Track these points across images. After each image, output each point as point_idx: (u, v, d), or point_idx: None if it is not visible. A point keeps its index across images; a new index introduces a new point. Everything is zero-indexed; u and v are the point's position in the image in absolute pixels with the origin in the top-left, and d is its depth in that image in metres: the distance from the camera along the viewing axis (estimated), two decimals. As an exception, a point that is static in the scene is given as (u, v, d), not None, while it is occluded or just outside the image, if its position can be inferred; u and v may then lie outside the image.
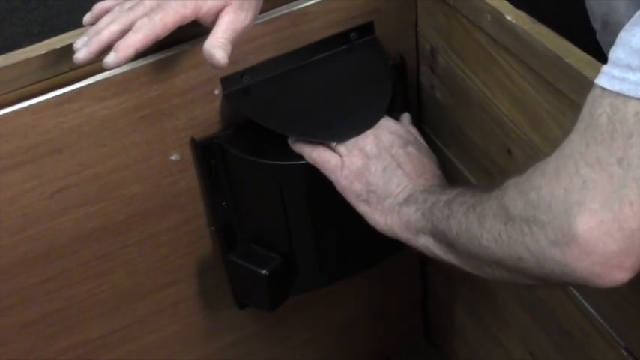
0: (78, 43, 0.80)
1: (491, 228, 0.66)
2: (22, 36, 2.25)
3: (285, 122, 0.91)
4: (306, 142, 0.89)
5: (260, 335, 1.18)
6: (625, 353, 0.82)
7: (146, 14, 0.79)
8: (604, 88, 0.57)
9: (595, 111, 0.58)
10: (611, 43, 0.59)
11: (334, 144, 0.87)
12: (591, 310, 0.85)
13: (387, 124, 0.89)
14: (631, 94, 0.56)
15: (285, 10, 0.91)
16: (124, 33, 0.79)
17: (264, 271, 0.97)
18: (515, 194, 0.64)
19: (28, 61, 0.83)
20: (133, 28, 0.78)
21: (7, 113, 0.82)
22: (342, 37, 0.95)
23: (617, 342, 0.82)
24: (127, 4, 0.82)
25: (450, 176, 1.05)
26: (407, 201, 0.82)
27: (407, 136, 0.89)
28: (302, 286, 1.04)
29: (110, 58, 0.78)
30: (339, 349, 1.28)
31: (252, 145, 0.92)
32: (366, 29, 0.96)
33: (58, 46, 0.84)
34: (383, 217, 0.84)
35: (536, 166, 0.63)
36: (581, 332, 0.88)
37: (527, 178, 0.64)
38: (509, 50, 0.82)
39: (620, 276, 0.59)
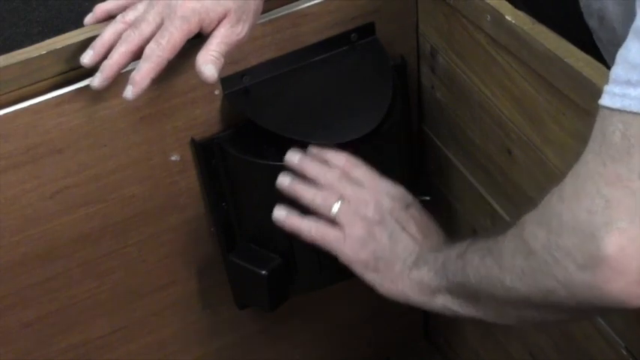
0: (84, 58, 0.82)
1: (513, 266, 0.65)
2: (22, 36, 2.25)
3: (285, 123, 0.91)
4: (301, 216, 0.86)
5: (260, 335, 1.18)
6: (625, 353, 0.81)
7: (152, 33, 0.80)
8: (609, 108, 0.57)
9: (607, 130, 0.57)
10: (607, 40, 0.59)
11: (333, 213, 0.84)
12: (591, 310, 0.85)
13: (385, 186, 0.86)
14: (634, 109, 0.55)
15: (285, 10, 0.91)
16: (132, 54, 0.80)
17: (264, 272, 0.97)
18: (534, 226, 0.62)
19: (28, 61, 0.83)
20: (143, 55, 0.79)
21: (7, 113, 0.82)
22: (342, 38, 0.95)
23: (617, 342, 0.82)
24: (130, 13, 0.83)
25: (450, 176, 1.06)
26: (416, 263, 0.79)
27: (406, 197, 0.87)
28: (302, 286, 1.04)
29: (128, 93, 0.80)
30: (339, 349, 1.28)
31: (252, 145, 0.92)
32: (366, 30, 0.96)
33: (58, 46, 0.84)
34: (394, 284, 0.80)
35: (551, 193, 0.62)
36: (581, 332, 0.88)
37: (543, 207, 0.62)
38: (509, 50, 0.82)
39: None
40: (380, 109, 0.91)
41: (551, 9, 0.91)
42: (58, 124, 0.85)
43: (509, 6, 0.82)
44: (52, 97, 0.83)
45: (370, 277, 0.82)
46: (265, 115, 0.91)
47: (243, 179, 0.95)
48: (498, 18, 0.82)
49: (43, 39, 0.85)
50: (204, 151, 0.93)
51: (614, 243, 0.56)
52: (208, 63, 0.80)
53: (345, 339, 1.27)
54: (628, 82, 0.56)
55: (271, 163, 0.91)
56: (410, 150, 1.06)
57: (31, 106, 0.83)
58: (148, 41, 0.80)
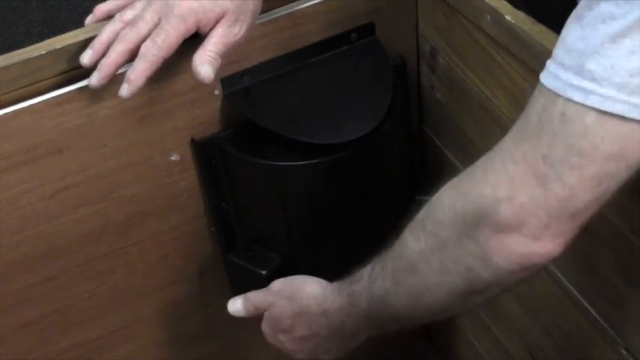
0: (84, 58, 0.82)
1: (430, 266, 0.67)
2: (22, 36, 2.25)
3: (285, 123, 0.91)
4: None
5: (260, 335, 1.18)
6: (625, 353, 0.82)
7: (149, 31, 0.80)
8: (542, 84, 0.58)
9: (529, 109, 0.59)
10: None
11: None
12: (591, 310, 0.85)
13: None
14: (560, 92, 0.56)
15: (285, 10, 0.91)
16: (130, 52, 0.80)
17: (264, 272, 0.97)
18: (441, 214, 0.65)
19: (28, 61, 0.83)
20: (139, 53, 0.80)
21: (7, 113, 0.82)
22: (342, 38, 0.95)
23: (617, 342, 0.82)
24: (128, 12, 0.83)
25: (451, 176, 1.05)
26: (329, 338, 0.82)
27: (264, 300, 0.88)
28: (302, 286, 1.04)
29: (124, 91, 0.80)
30: (339, 350, 1.28)
31: (252, 145, 0.92)
32: (366, 30, 0.96)
33: (58, 46, 0.84)
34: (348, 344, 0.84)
35: (459, 177, 0.65)
36: (581, 332, 0.88)
37: (450, 190, 0.65)
38: (509, 50, 0.82)
39: (552, 247, 0.60)
40: (380, 109, 0.91)
41: (551, 9, 0.91)
42: (58, 124, 0.85)
43: (509, 6, 0.82)
44: (52, 97, 0.83)
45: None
46: (265, 115, 0.91)
47: (243, 179, 0.95)
48: (498, 18, 0.82)
49: (43, 39, 0.84)
50: (204, 151, 0.93)
51: (515, 210, 0.59)
52: (205, 63, 0.80)
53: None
54: (561, 64, 0.57)
55: (271, 162, 0.91)
56: (410, 150, 1.06)
57: (31, 106, 0.83)
58: (144, 40, 0.80)
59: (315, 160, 0.90)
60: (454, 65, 0.95)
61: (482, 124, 0.93)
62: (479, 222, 0.62)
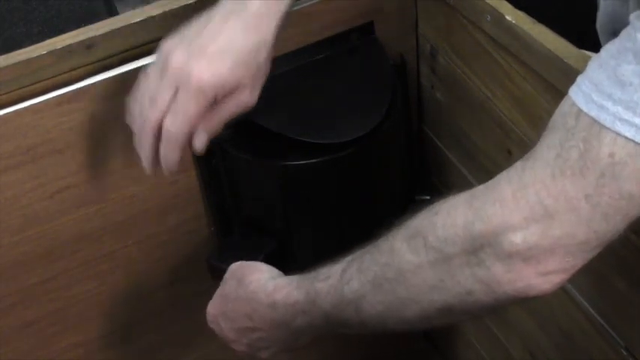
0: (146, 167, 0.80)
1: (426, 281, 0.64)
2: (22, 36, 2.25)
3: (285, 122, 0.91)
4: None
5: (260, 335, 1.18)
6: (625, 353, 0.82)
7: (168, 104, 0.76)
8: (580, 110, 0.56)
9: (567, 142, 0.56)
10: None
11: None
12: (591, 310, 0.85)
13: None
14: (607, 125, 0.54)
15: (285, 10, 0.91)
16: (157, 129, 0.77)
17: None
18: (451, 232, 0.61)
19: (28, 61, 0.83)
20: (162, 135, 0.76)
21: (7, 113, 0.82)
22: (342, 38, 0.95)
23: (617, 342, 0.82)
24: (142, 87, 0.78)
25: (450, 176, 1.06)
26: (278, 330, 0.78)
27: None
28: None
29: (167, 173, 0.79)
30: (339, 350, 1.28)
31: (252, 145, 0.92)
32: (366, 30, 0.96)
33: (58, 46, 0.84)
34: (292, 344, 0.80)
35: (473, 196, 0.61)
36: (581, 332, 0.88)
37: (465, 209, 0.61)
38: (509, 50, 0.82)
39: (566, 277, 0.59)
40: (380, 109, 0.91)
41: (551, 9, 0.91)
42: (58, 124, 0.85)
43: (509, 6, 0.82)
44: (53, 97, 0.84)
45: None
46: (265, 115, 0.91)
47: (243, 179, 0.95)
48: (498, 18, 0.82)
49: (43, 39, 0.84)
50: (205, 151, 0.93)
51: (545, 246, 0.57)
52: (206, 133, 0.78)
53: (345, 339, 1.27)
54: (609, 96, 0.54)
55: (271, 162, 0.91)
56: (410, 150, 1.06)
57: (31, 106, 0.83)
58: (166, 113, 0.76)
59: (315, 160, 0.90)
60: (454, 65, 0.95)
61: (482, 124, 0.93)
62: (495, 248, 0.59)
